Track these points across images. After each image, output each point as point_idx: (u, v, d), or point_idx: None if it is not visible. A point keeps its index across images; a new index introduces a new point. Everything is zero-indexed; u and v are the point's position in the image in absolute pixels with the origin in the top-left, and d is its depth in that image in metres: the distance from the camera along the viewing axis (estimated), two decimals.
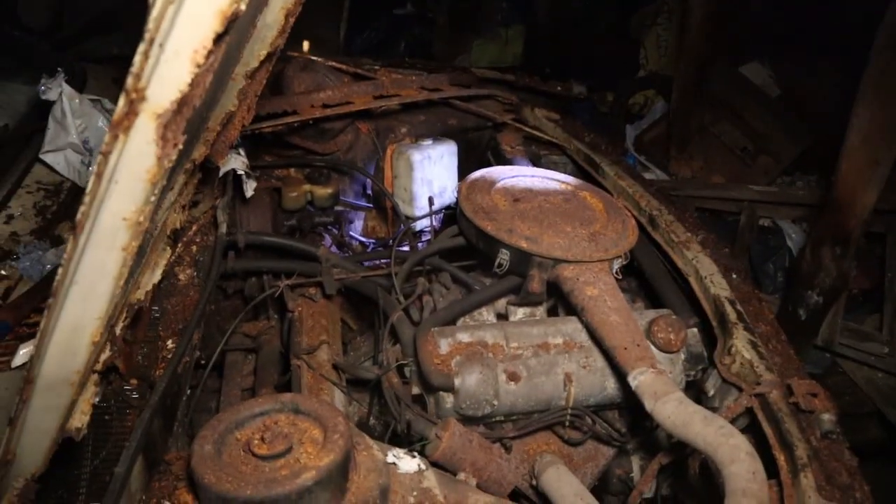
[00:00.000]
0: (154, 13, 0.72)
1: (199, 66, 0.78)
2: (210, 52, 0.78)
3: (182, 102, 0.79)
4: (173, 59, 0.76)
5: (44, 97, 2.07)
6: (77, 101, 2.11)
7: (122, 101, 0.77)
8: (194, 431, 1.96)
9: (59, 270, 0.84)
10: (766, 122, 4.79)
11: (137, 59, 0.74)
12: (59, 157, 2.13)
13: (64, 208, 2.08)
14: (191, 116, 0.84)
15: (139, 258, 1.29)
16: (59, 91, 2.06)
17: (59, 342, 0.93)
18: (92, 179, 0.80)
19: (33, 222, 1.96)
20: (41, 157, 2.13)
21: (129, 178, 0.83)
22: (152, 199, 0.87)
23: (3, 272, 1.74)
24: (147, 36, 0.73)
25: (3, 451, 0.95)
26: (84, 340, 0.96)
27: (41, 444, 1.02)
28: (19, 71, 2.56)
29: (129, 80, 0.75)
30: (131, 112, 0.77)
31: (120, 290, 0.95)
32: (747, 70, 5.07)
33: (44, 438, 1.02)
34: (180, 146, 0.84)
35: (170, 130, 0.80)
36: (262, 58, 1.36)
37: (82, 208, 0.82)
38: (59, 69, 2.11)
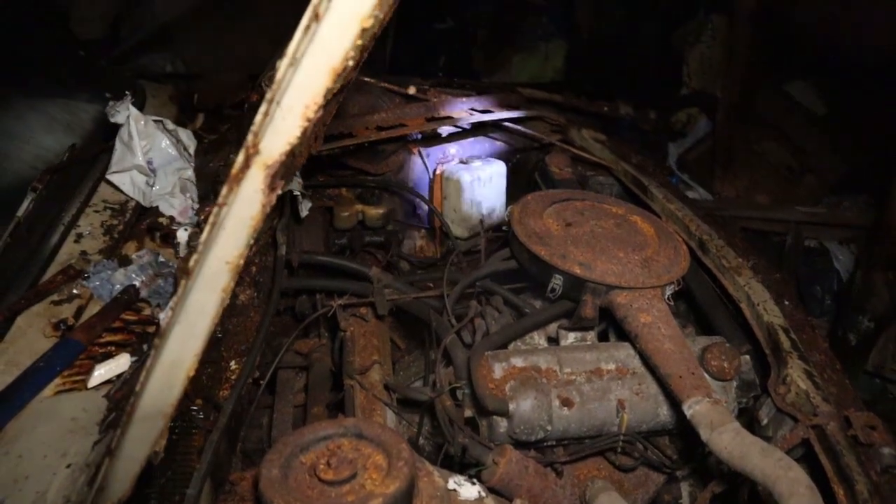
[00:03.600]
0: (278, 76, 0.75)
1: (309, 120, 0.81)
2: (320, 108, 0.81)
3: (290, 154, 0.82)
4: (287, 115, 0.80)
5: (112, 120, 2.14)
6: (142, 123, 2.16)
7: (241, 157, 0.80)
8: (246, 447, 2.00)
9: (167, 313, 0.88)
10: (813, 141, 4.73)
11: (258, 118, 0.77)
12: (125, 178, 2.19)
13: (129, 227, 2.13)
14: (290, 163, 0.87)
15: None
16: (126, 115, 2.12)
17: (159, 378, 0.97)
18: (207, 229, 0.84)
19: (101, 241, 2.02)
20: (107, 177, 2.19)
21: (235, 225, 0.86)
22: (251, 242, 0.90)
23: (75, 291, 1.79)
24: (269, 96, 0.76)
25: (100, 479, 0.99)
26: (181, 375, 1.00)
27: (131, 471, 1.05)
28: (81, 88, 2.63)
29: (249, 137, 0.78)
30: (246, 166, 0.81)
31: (216, 328, 0.98)
32: (793, 88, 5.01)
33: (134, 465, 1.05)
34: (279, 191, 0.87)
35: (276, 179, 0.83)
36: (335, 90, 1.39)
37: (195, 256, 0.85)
38: (126, 93, 2.18)
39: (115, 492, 1.06)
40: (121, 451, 0.99)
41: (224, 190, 0.81)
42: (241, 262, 0.91)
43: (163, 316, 0.87)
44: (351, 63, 0.81)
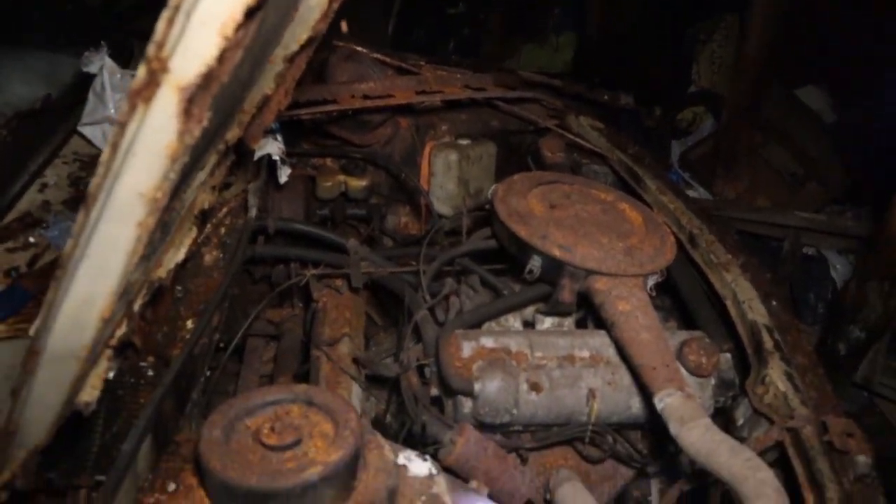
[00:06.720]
0: None
1: (227, 39, 0.74)
2: (240, 26, 0.74)
3: (208, 77, 0.76)
4: (199, 30, 0.73)
5: (84, 69, 2.07)
6: (118, 75, 2.10)
7: (142, 70, 0.74)
8: (210, 414, 1.95)
9: (69, 242, 0.82)
10: (819, 148, 4.65)
11: (160, 25, 0.71)
12: (96, 131, 2.13)
13: None
14: (218, 93, 0.81)
15: (163, 236, 1.28)
16: (100, 65, 2.06)
17: (67, 316, 0.91)
18: (107, 150, 0.77)
19: (66, 192, 1.97)
20: (79, 129, 2.14)
21: (147, 152, 0.80)
22: (172, 175, 0.84)
23: (31, 240, 1.74)
24: (171, 2, 0.70)
25: (5, 422, 0.94)
26: (93, 316, 0.93)
27: (45, 417, 1.00)
28: (69, 44, 2.58)
29: (151, 48, 0.72)
30: (152, 82, 0.74)
31: (134, 267, 0.92)
32: (803, 93, 4.93)
33: (48, 411, 1.00)
34: (205, 123, 0.80)
35: (195, 106, 0.77)
36: (302, 42, 1.33)
37: (95, 179, 0.79)
38: (102, 42, 2.12)
39: (30, 438, 1.00)
40: (30, 394, 0.94)
41: (125, 106, 0.75)
42: (160, 195, 0.85)
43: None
44: None
